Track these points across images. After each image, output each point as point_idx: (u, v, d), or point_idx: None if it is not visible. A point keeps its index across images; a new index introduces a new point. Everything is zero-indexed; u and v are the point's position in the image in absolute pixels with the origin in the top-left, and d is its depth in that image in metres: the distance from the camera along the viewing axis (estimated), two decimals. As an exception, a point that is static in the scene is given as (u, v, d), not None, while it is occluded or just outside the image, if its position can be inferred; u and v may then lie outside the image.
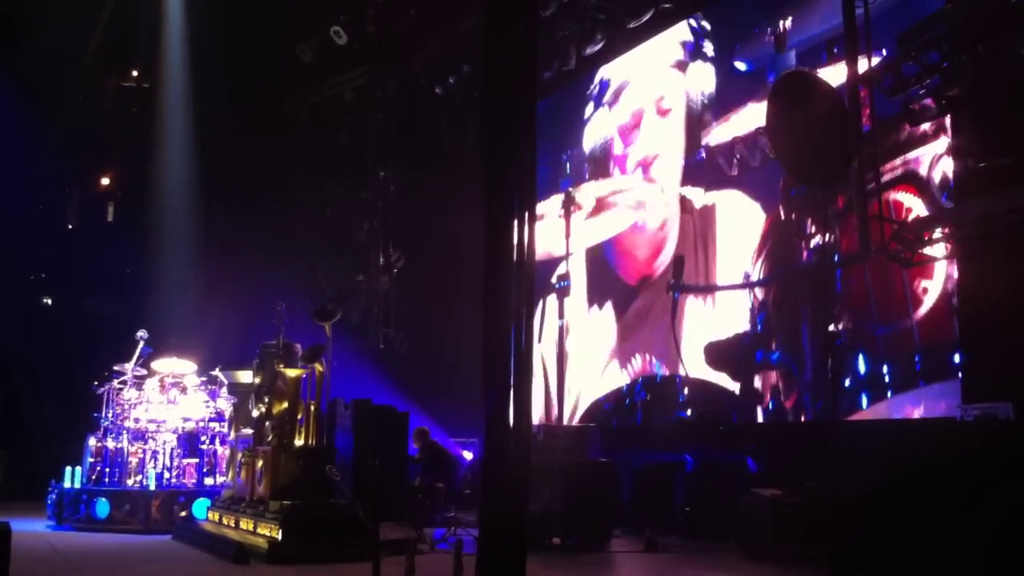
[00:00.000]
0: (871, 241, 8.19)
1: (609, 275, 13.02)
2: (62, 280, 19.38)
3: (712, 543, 10.36)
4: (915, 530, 6.64)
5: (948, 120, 8.51)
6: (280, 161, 18.72)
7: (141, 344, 13.16)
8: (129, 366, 13.10)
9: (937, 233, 8.35)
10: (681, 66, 12.42)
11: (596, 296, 13.14)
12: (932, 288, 8.20)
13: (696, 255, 11.21)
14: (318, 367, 10.47)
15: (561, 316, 11.56)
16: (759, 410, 9.96)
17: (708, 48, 11.93)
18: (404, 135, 18.34)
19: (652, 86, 12.88)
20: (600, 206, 12.83)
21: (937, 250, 8.36)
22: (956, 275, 8.23)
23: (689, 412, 10.94)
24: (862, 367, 8.65)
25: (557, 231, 11.73)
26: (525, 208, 4.49)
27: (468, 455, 13.34)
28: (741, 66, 11.25)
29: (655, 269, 12.21)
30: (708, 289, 10.85)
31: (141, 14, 17.62)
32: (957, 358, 7.92)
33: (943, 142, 8.38)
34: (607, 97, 13.63)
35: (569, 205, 11.66)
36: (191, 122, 18.13)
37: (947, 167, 8.30)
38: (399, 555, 6.51)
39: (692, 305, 11.21)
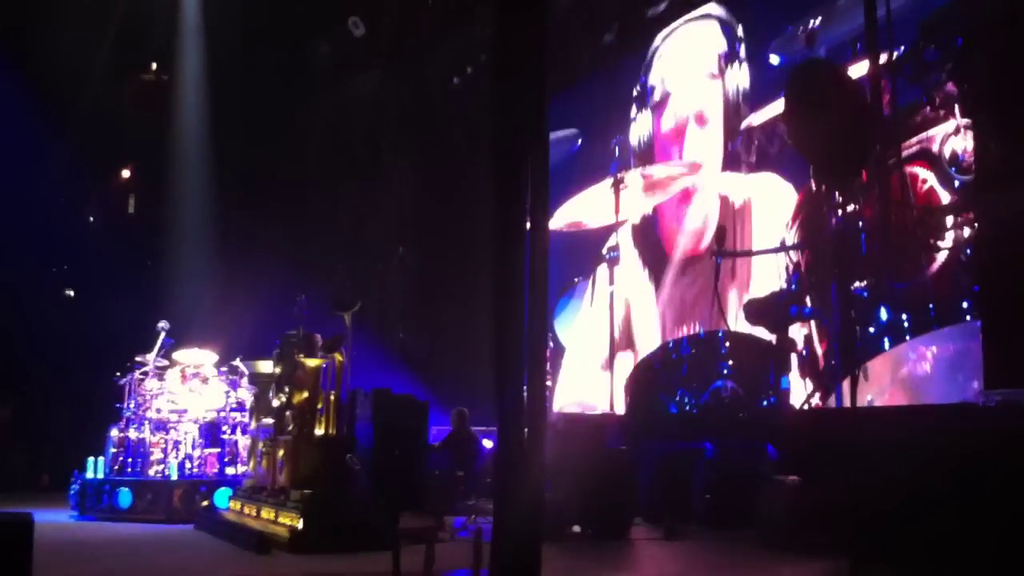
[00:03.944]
0: (891, 227, 8.21)
1: (654, 246, 14.12)
2: (84, 272, 19.52)
3: (732, 531, 10.32)
4: (937, 519, 6.60)
5: (957, 104, 9.01)
6: (297, 154, 18.79)
7: (162, 335, 13.24)
8: (151, 357, 13.19)
9: (956, 221, 8.34)
10: (719, 74, 13.39)
11: (643, 264, 14.24)
12: (946, 244, 9.17)
13: (735, 226, 12.34)
14: (338, 357, 10.49)
15: (611, 283, 12.30)
16: (794, 357, 10.73)
17: (743, 51, 12.92)
18: (419, 131, 18.38)
19: (693, 98, 13.86)
20: (647, 186, 13.51)
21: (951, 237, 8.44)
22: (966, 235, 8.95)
23: (730, 363, 11.55)
24: (884, 316, 9.68)
25: (608, 206, 12.60)
26: (537, 197, 4.47)
27: (488, 444, 13.36)
28: (775, 60, 12.00)
29: (697, 240, 13.28)
30: (747, 254, 11.91)
31: (158, 10, 17.69)
32: (965, 305, 8.90)
33: (952, 124, 9.12)
34: (650, 103, 14.64)
35: (618, 185, 12.34)
36: (209, 115, 18.21)
37: (956, 145, 9.12)
38: (419, 544, 6.52)
39: (732, 268, 12.39)
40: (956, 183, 9.15)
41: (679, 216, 13.79)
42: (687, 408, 12.10)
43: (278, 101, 18.47)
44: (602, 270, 13.10)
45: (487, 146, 15.40)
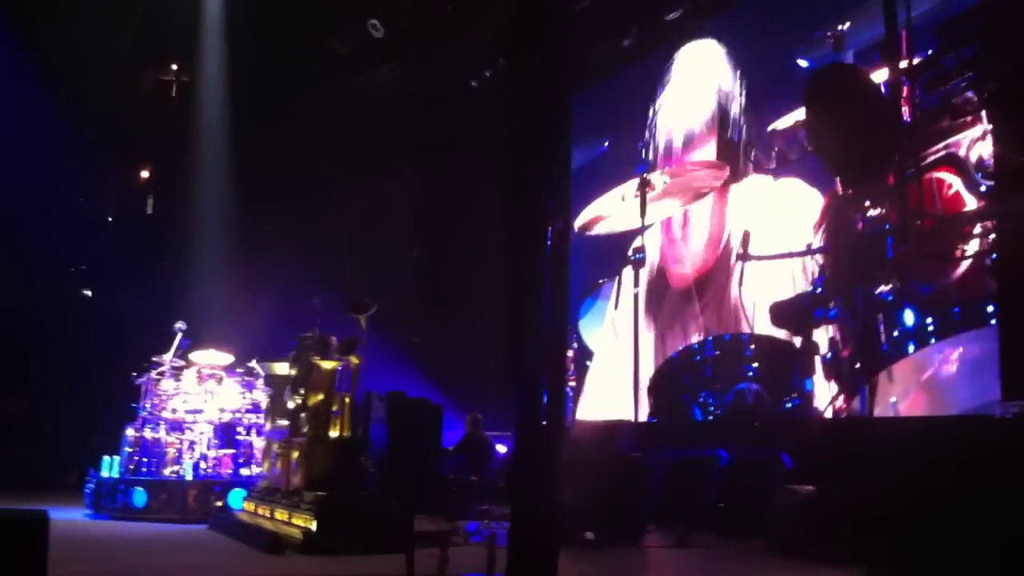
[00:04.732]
0: (912, 233, 8.21)
1: (678, 247, 14.10)
2: (101, 272, 19.59)
3: (745, 540, 10.29)
4: (953, 530, 6.56)
5: (984, 110, 8.97)
6: (314, 154, 18.80)
7: (179, 335, 13.29)
8: (167, 357, 13.23)
9: (978, 228, 8.31)
10: (720, 90, 13.55)
11: (667, 266, 14.24)
12: (968, 252, 9.13)
13: (760, 229, 12.39)
14: (353, 359, 10.51)
15: (636, 285, 12.39)
16: (818, 360, 10.73)
17: (739, 75, 13.13)
18: (436, 130, 18.38)
19: (693, 116, 14.03)
20: (673, 187, 13.83)
21: (974, 245, 8.41)
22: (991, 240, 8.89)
23: (754, 365, 11.71)
24: (909, 320, 9.68)
25: (633, 208, 12.71)
26: (558, 199, 4.46)
27: (502, 448, 13.36)
28: (803, 63, 12.01)
29: (720, 239, 13.28)
30: (772, 257, 11.90)
31: (178, 8, 17.75)
32: (990, 308, 8.86)
33: (979, 129, 9.12)
34: (662, 122, 14.73)
35: (644, 187, 12.42)
36: (228, 115, 18.25)
37: (982, 150, 9.11)
38: (433, 547, 6.52)
39: (756, 272, 12.40)
40: (983, 188, 9.15)
41: (701, 214, 13.90)
42: (710, 409, 12.17)
43: (295, 99, 18.50)
44: (627, 272, 13.38)
45: (502, 147, 15.46)
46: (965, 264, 8.98)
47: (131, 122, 18.95)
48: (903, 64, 8.57)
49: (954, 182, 9.39)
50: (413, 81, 18.51)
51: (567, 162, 4.56)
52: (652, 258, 14.04)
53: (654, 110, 15.05)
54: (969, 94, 8.78)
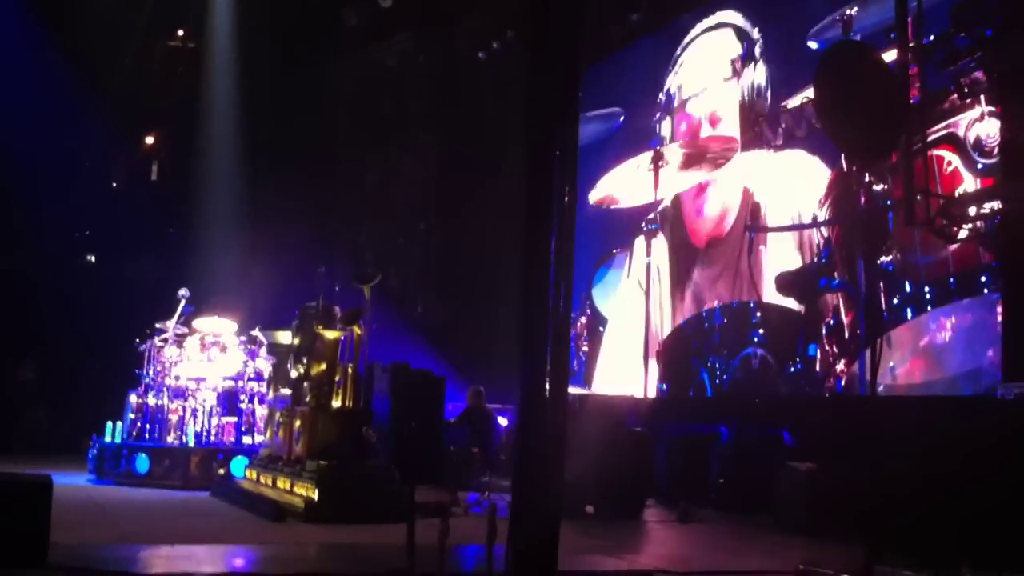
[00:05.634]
0: (916, 214, 8.21)
1: (689, 219, 14.30)
2: (106, 239, 19.60)
3: (746, 516, 10.35)
4: (951, 508, 6.60)
5: (983, 91, 9.17)
6: (323, 124, 18.77)
7: (183, 302, 13.29)
8: (171, 324, 13.25)
9: (986, 208, 8.31)
10: (734, 75, 13.58)
11: (678, 237, 14.44)
12: (969, 232, 9.35)
13: (770, 200, 12.60)
14: (356, 330, 10.53)
15: (648, 254, 12.95)
16: (823, 327, 11.06)
17: (758, 51, 13.17)
18: (446, 102, 18.32)
19: (704, 101, 14.13)
20: (686, 160, 13.85)
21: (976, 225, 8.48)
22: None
23: (760, 332, 11.96)
24: (907, 288, 10.09)
25: (647, 181, 13.08)
26: (566, 172, 4.46)
27: (503, 421, 13.39)
28: (813, 45, 12.15)
29: (730, 212, 13.46)
30: (779, 229, 12.18)
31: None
32: (984, 279, 9.33)
33: (978, 110, 9.40)
34: (671, 108, 14.84)
35: (658, 160, 12.83)
36: (236, 83, 18.20)
37: (980, 130, 9.44)
38: (434, 517, 6.54)
39: (764, 242, 12.62)
40: (979, 166, 9.51)
41: (711, 187, 14.05)
42: (718, 373, 12.44)
43: (305, 70, 18.45)
44: (640, 242, 13.66)
45: (513, 120, 15.46)
46: (961, 236, 9.22)
47: (139, 88, 18.90)
48: (912, 44, 8.57)
49: (953, 160, 9.71)
50: (426, 52, 18.42)
51: (574, 135, 4.54)
52: (664, 229, 14.24)
53: (668, 84, 15.11)
54: (978, 74, 8.76)
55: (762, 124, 12.67)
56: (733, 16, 13.78)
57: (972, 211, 8.46)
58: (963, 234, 9.02)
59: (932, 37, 9.07)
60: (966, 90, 9.15)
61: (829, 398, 10.83)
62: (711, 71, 14.01)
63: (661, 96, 15.04)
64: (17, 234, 17.75)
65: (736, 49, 13.53)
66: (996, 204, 8.41)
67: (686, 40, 14.70)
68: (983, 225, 8.76)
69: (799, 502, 9.33)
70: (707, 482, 11.47)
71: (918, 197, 8.22)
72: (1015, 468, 6.33)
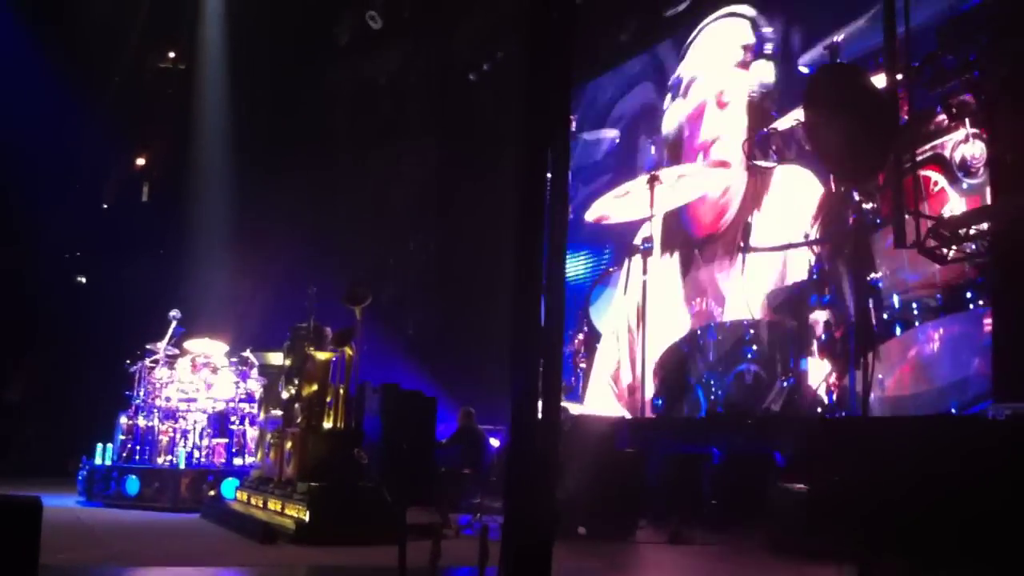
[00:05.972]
0: (906, 235, 8.28)
1: (681, 236, 14.82)
2: (96, 259, 19.56)
3: (738, 536, 10.32)
4: (944, 528, 6.59)
5: (968, 113, 9.47)
6: (313, 145, 18.78)
7: (174, 324, 13.29)
8: (161, 345, 13.23)
9: (973, 230, 8.35)
10: (744, 65, 14.02)
11: (670, 254, 14.93)
12: (959, 254, 9.56)
13: (762, 219, 12.99)
14: (348, 350, 10.51)
15: (644, 272, 13.23)
16: (815, 342, 11.26)
17: (769, 48, 13.60)
18: (439, 115, 18.36)
19: (715, 82, 14.55)
20: (678, 183, 14.36)
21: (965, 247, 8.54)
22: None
23: (754, 348, 12.11)
24: (896, 303, 10.50)
25: (642, 201, 13.68)
26: (557, 186, 4.46)
27: (495, 442, 13.38)
28: (804, 69, 12.67)
29: (720, 229, 14.00)
30: (771, 249, 12.46)
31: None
32: (969, 295, 9.68)
33: (962, 132, 9.76)
34: (678, 92, 15.32)
35: (653, 182, 13.40)
36: (228, 103, 18.22)
37: (965, 151, 9.80)
38: (425, 539, 6.53)
39: (757, 261, 12.96)
40: (965, 186, 9.85)
41: (701, 205, 14.48)
42: (712, 389, 12.59)
43: (295, 89, 18.46)
44: (636, 260, 13.92)
45: (509, 134, 15.52)
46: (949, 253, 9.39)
47: (130, 110, 18.91)
48: (901, 74, 8.70)
49: (939, 180, 10.05)
50: (416, 70, 18.47)
51: (566, 151, 4.55)
52: (660, 247, 14.51)
53: (664, 105, 15.48)
54: (966, 96, 8.85)
55: (755, 144, 12.86)
56: (742, 15, 14.23)
57: (962, 232, 8.51)
58: (953, 255, 9.10)
59: (921, 59, 9.17)
60: (954, 111, 9.24)
61: (821, 418, 10.87)
62: (721, 55, 14.43)
63: (660, 112, 15.44)
64: (6, 253, 17.70)
65: (749, 38, 13.91)
66: (985, 225, 8.46)
67: (683, 58, 15.18)
68: (973, 246, 8.83)
69: (791, 522, 9.31)
70: (699, 502, 11.45)
71: (907, 218, 8.30)
72: (1009, 488, 6.34)
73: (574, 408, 13.81)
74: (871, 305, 10.18)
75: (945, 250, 8.60)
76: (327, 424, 10.31)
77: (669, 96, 15.57)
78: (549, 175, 4.44)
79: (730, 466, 11.38)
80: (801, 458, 10.37)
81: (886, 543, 6.92)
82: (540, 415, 4.33)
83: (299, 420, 10.38)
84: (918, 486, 6.83)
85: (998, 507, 6.34)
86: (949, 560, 6.51)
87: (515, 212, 4.41)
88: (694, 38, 15.17)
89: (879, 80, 9.32)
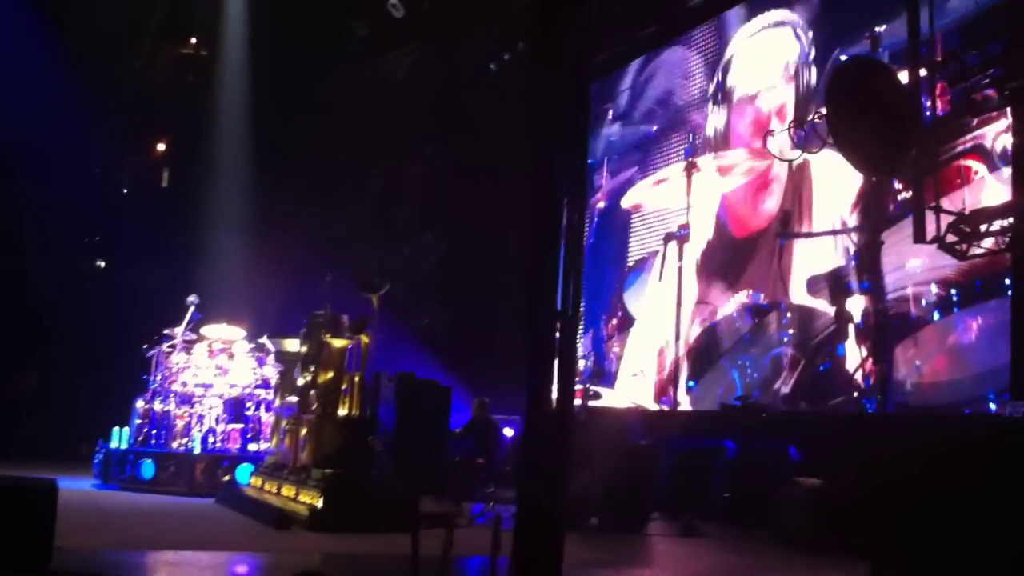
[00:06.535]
0: (926, 231, 8.24)
1: (720, 224, 14.49)
2: (115, 244, 19.64)
3: (750, 531, 10.32)
4: (957, 527, 6.56)
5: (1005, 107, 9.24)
6: (331, 134, 18.79)
7: (191, 309, 13.33)
8: (179, 330, 13.28)
9: (995, 226, 8.28)
10: (793, 77, 13.74)
11: (710, 240, 14.62)
12: (983, 250, 9.33)
13: (800, 207, 12.90)
14: (363, 338, 10.53)
15: (680, 259, 13.49)
16: (851, 328, 11.26)
17: (813, 54, 13.41)
18: (452, 113, 18.36)
19: (773, 98, 14.06)
20: (719, 170, 14.29)
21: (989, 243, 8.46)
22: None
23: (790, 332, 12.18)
24: (934, 289, 10.39)
25: (679, 189, 13.97)
26: (575, 172, 4.43)
27: (509, 432, 13.38)
28: (844, 59, 12.39)
29: (761, 218, 13.75)
30: (809, 235, 12.50)
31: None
32: (1007, 281, 9.48)
33: (1003, 123, 9.61)
34: (727, 100, 14.89)
35: (691, 169, 13.66)
36: (246, 92, 18.25)
37: (1006, 141, 9.60)
38: (438, 528, 6.54)
39: (795, 247, 12.91)
40: (1005, 175, 9.62)
41: (743, 193, 14.25)
42: (748, 371, 12.67)
43: (314, 78, 18.47)
44: (672, 247, 14.02)
45: (519, 131, 15.48)
46: (986, 244, 9.33)
47: (150, 96, 18.96)
48: (925, 70, 8.64)
49: (980, 169, 9.97)
50: (433, 63, 18.47)
51: (584, 146, 4.53)
52: (696, 234, 14.45)
53: (703, 94, 15.33)
54: (990, 91, 8.78)
55: (787, 134, 12.84)
56: (786, 22, 14.03)
57: (983, 228, 8.43)
58: (976, 251, 9.02)
59: (945, 54, 9.12)
60: (978, 106, 9.20)
61: (836, 414, 10.83)
62: (772, 67, 14.23)
63: (699, 101, 15.22)
64: (25, 238, 17.78)
65: (795, 49, 13.79)
66: (1008, 220, 8.38)
67: (726, 49, 14.91)
68: (997, 243, 8.76)
69: (804, 518, 9.30)
70: (712, 496, 11.44)
71: (931, 209, 8.25)
72: (1022, 485, 6.29)
73: (606, 393, 13.92)
74: (909, 293, 10.33)
75: (966, 246, 8.52)
76: (342, 411, 10.34)
77: (711, 103, 15.27)
78: (563, 164, 4.42)
79: (744, 460, 11.37)
80: (816, 453, 10.36)
81: (899, 541, 6.89)
82: (554, 407, 4.33)
83: (314, 407, 10.41)
84: (933, 485, 6.79)
85: (1014, 506, 6.30)
86: (962, 559, 6.48)
87: (528, 203, 4.40)
88: (739, 45, 14.86)
89: (906, 76, 9.30)
